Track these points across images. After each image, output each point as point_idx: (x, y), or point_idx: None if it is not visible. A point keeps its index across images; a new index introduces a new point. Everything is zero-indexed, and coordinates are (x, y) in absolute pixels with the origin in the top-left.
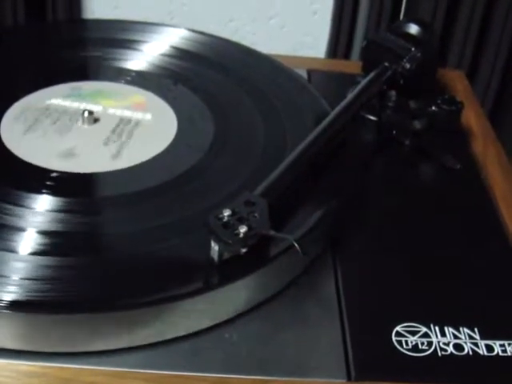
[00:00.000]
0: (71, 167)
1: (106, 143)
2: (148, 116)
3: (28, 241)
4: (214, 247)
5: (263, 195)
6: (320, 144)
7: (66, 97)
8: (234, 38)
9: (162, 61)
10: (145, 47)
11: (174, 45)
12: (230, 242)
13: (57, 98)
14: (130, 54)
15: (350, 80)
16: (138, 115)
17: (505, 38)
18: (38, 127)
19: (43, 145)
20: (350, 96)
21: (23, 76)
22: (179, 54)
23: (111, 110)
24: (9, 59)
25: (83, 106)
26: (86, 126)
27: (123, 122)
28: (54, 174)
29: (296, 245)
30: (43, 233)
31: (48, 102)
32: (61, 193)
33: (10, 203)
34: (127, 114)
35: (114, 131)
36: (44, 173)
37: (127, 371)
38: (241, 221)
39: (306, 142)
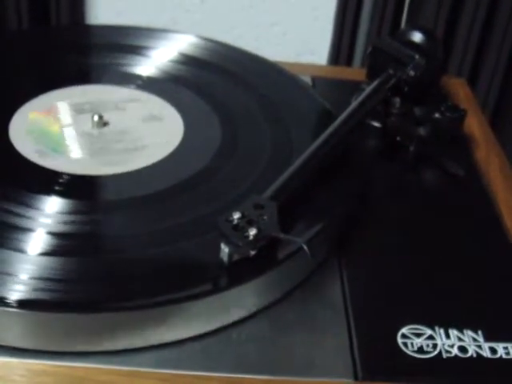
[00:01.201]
0: (79, 170)
1: (107, 148)
2: (157, 125)
3: (38, 241)
4: (224, 249)
5: (272, 198)
6: (327, 149)
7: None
8: (237, 45)
9: (169, 67)
10: (153, 53)
11: (182, 51)
12: (240, 244)
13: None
14: (138, 59)
15: (353, 87)
16: (147, 125)
17: (505, 46)
18: None
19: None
20: (355, 102)
21: (29, 79)
22: (186, 60)
23: (123, 117)
24: (15, 63)
25: (98, 109)
26: (93, 129)
27: (132, 129)
28: (65, 177)
29: (305, 247)
30: (54, 234)
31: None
32: (70, 195)
33: (19, 204)
34: (137, 122)
35: (119, 137)
36: (54, 175)
37: (139, 370)
38: (250, 223)
39: (314, 146)
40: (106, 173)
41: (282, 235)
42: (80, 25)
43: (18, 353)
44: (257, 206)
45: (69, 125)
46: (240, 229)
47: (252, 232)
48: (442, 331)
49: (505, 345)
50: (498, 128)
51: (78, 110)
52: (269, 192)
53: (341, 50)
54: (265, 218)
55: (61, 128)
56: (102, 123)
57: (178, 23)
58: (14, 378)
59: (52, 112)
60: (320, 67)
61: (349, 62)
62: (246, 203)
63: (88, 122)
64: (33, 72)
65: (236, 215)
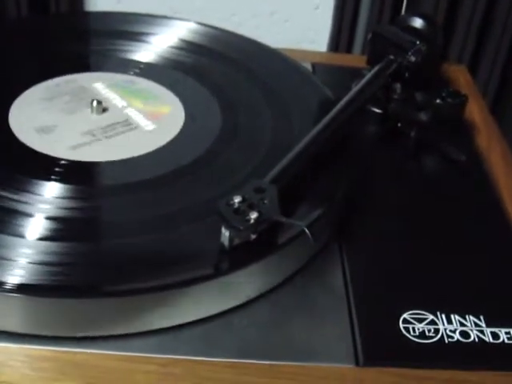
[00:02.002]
0: (78, 156)
1: (89, 133)
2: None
3: (35, 226)
4: (225, 233)
5: (273, 182)
6: (328, 134)
7: (109, 86)
8: (237, 32)
9: (170, 53)
10: (153, 39)
11: (182, 37)
12: (241, 227)
13: (100, 83)
14: (138, 46)
15: (353, 73)
16: (144, 122)
17: (506, 33)
18: (54, 102)
19: (34, 115)
20: (356, 88)
21: (28, 67)
22: (187, 46)
23: (128, 109)
24: (14, 51)
25: (116, 98)
26: (92, 114)
27: (125, 122)
28: (62, 162)
29: (307, 231)
30: (53, 218)
31: (87, 84)
32: (69, 180)
33: (17, 189)
34: (137, 117)
35: (118, 123)
36: (52, 161)
37: (140, 356)
38: (251, 207)
39: (315, 131)
40: (105, 159)
41: (283, 219)
42: (79, 12)
43: (17, 338)
44: (258, 189)
45: (73, 102)
46: (241, 212)
47: (253, 216)
48: (443, 316)
49: (507, 330)
50: (499, 115)
51: (77, 96)
52: (270, 176)
53: (341, 38)
54: (266, 201)
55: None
56: (102, 109)
57: (178, 11)
58: (13, 363)
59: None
60: (320, 54)
61: (349, 50)
62: (247, 187)
63: (87, 107)
64: (32, 60)
65: (237, 199)
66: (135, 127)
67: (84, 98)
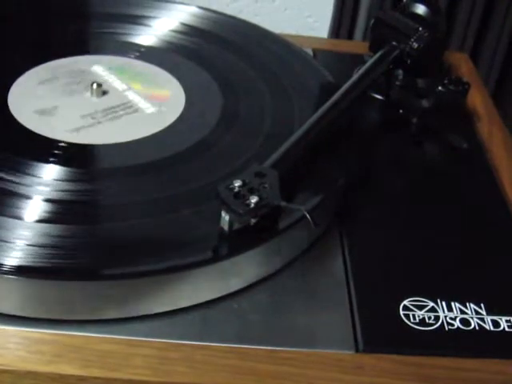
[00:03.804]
0: (78, 138)
1: (89, 116)
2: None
3: (34, 208)
4: (225, 217)
5: (273, 167)
6: (329, 119)
7: (107, 68)
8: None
9: (171, 36)
10: (154, 23)
11: (184, 21)
12: (241, 211)
13: (98, 66)
14: (139, 29)
15: (354, 60)
16: (145, 105)
17: (508, 21)
18: (53, 84)
19: (33, 97)
20: (357, 74)
21: (27, 49)
22: (188, 30)
23: (128, 92)
24: (13, 32)
25: (117, 81)
26: (91, 97)
27: (126, 105)
28: (61, 144)
29: (308, 216)
30: (51, 201)
31: (85, 67)
32: (69, 163)
33: (16, 171)
34: (137, 99)
35: (118, 106)
36: (51, 143)
37: (138, 339)
38: (251, 191)
39: (316, 116)
40: (105, 142)
41: (283, 203)
42: None
43: (15, 321)
44: (258, 174)
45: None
46: (241, 197)
47: (253, 200)
48: (444, 304)
49: (507, 318)
50: (501, 103)
51: (76, 78)
52: (270, 161)
53: (342, 25)
54: (266, 186)
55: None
56: (101, 92)
57: None
58: (10, 345)
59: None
60: (321, 40)
61: (350, 37)
62: (248, 171)
63: (87, 90)
64: (31, 41)
65: (237, 183)
66: (136, 110)
67: (83, 81)
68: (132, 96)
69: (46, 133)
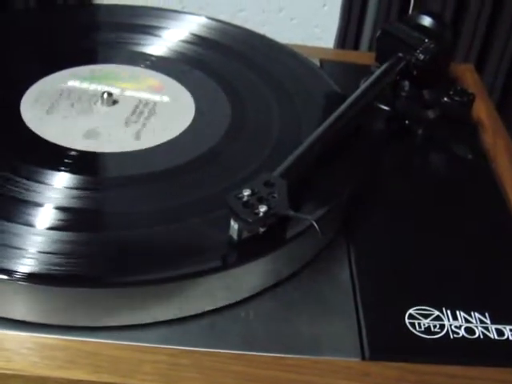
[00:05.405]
0: (94, 147)
1: (126, 124)
2: (166, 98)
3: (47, 215)
4: (234, 226)
5: (282, 176)
6: (336, 129)
7: (83, 79)
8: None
9: (180, 47)
10: (164, 33)
11: (193, 31)
12: (250, 220)
13: (74, 80)
14: (149, 39)
15: (360, 70)
16: (155, 97)
17: None
18: (59, 108)
19: (66, 125)
20: (364, 85)
21: (36, 60)
22: (197, 40)
23: (129, 92)
24: (22, 42)
25: (100, 88)
26: (105, 108)
27: (142, 103)
28: (74, 153)
29: (316, 225)
30: (63, 209)
31: (64, 84)
32: (81, 171)
33: (31, 180)
34: (145, 95)
35: (133, 112)
36: (66, 151)
37: (148, 346)
38: (260, 201)
39: (324, 126)
40: (116, 150)
41: (291, 213)
42: (88, 4)
43: (27, 326)
44: (267, 183)
45: (79, 103)
46: (250, 206)
47: (262, 209)
48: (449, 312)
49: (511, 327)
50: (505, 113)
51: (87, 88)
52: (279, 170)
53: (348, 36)
54: (275, 195)
55: (71, 106)
56: (112, 101)
57: (186, 6)
58: (23, 351)
59: (63, 90)
60: (327, 50)
61: (356, 47)
62: (256, 180)
63: (98, 99)
64: (41, 52)
65: (246, 192)
66: (155, 104)
67: (80, 99)
68: (135, 94)
69: (62, 142)
